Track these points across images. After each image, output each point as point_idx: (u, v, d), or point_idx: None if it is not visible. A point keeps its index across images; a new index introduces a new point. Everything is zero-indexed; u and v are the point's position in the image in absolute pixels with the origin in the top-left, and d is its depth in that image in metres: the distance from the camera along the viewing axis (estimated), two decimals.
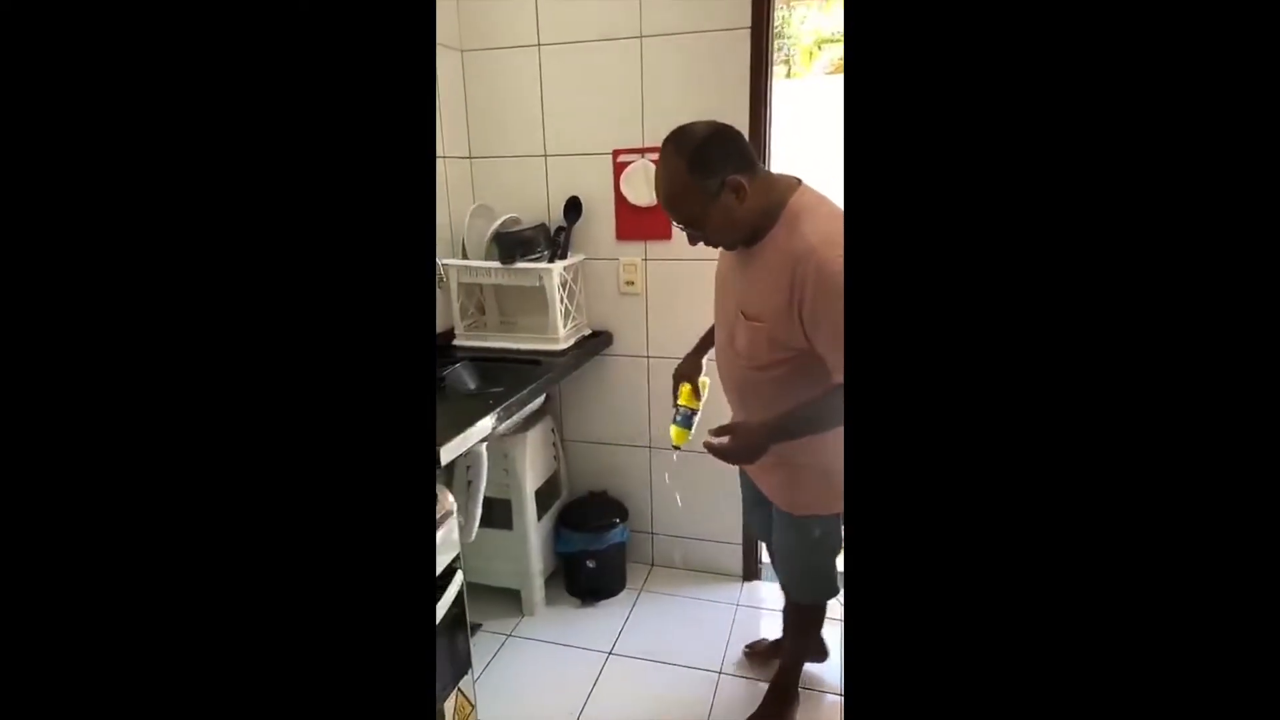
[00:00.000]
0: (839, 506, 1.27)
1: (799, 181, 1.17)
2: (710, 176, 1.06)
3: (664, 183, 1.10)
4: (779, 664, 1.60)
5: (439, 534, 1.13)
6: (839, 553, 1.37)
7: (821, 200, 1.13)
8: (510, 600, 1.94)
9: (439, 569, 1.14)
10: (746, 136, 1.72)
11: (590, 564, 1.95)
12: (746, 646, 1.78)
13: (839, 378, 1.07)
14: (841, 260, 0.99)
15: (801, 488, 1.28)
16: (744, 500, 1.61)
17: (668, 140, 1.10)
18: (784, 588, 1.50)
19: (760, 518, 1.53)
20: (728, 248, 1.19)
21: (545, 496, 1.96)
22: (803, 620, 1.50)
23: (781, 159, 1.82)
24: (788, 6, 3.47)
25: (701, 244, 1.17)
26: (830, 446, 1.20)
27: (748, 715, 1.55)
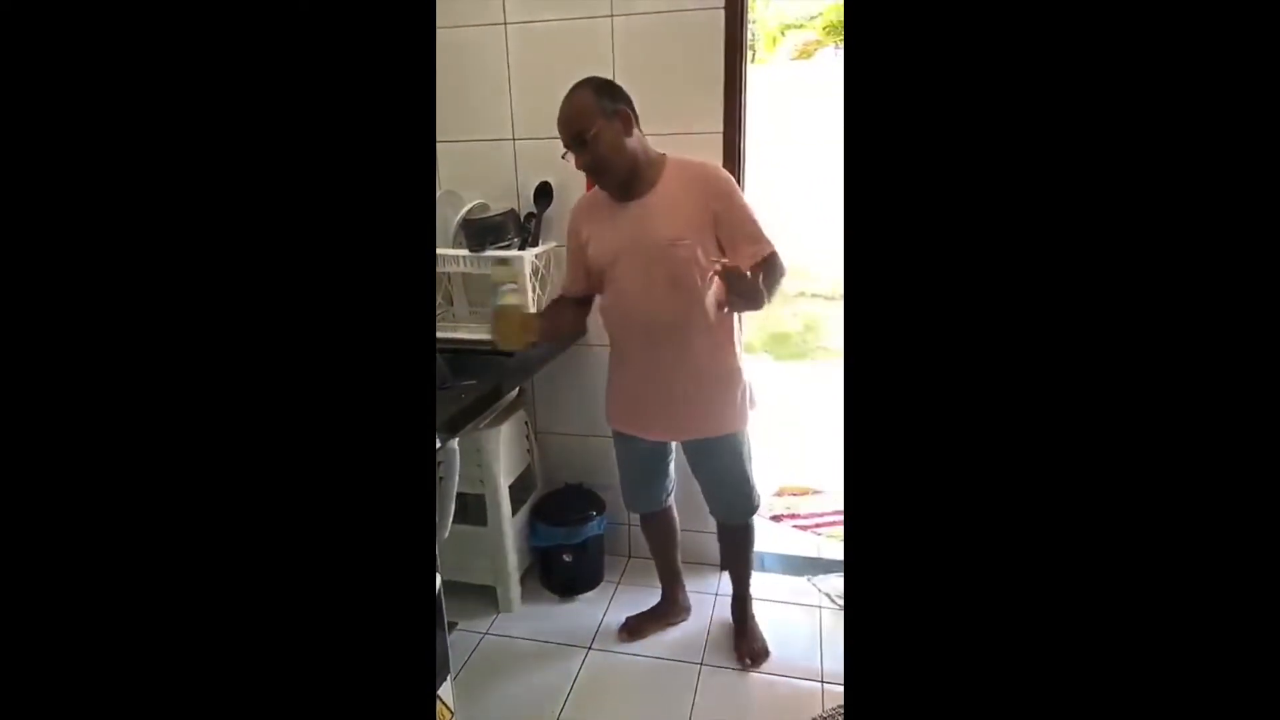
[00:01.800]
0: (746, 419, 1.55)
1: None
2: (608, 101, 1.33)
3: (567, 104, 1.34)
4: (735, 596, 1.78)
5: None
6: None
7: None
8: (486, 597, 1.90)
9: None
10: (721, 117, 1.70)
11: (567, 558, 1.92)
12: (621, 630, 1.80)
13: (763, 249, 1.36)
14: (717, 166, 1.44)
15: (721, 409, 1.50)
16: (636, 480, 1.69)
17: (576, 84, 1.36)
18: (721, 515, 1.68)
19: (658, 490, 1.70)
20: (604, 183, 1.40)
21: (519, 491, 1.92)
22: (742, 542, 1.72)
23: (749, 144, 1.79)
24: None
25: (586, 173, 1.38)
26: (724, 368, 1.47)
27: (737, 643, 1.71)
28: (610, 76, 1.72)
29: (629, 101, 1.37)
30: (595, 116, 1.31)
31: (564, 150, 1.37)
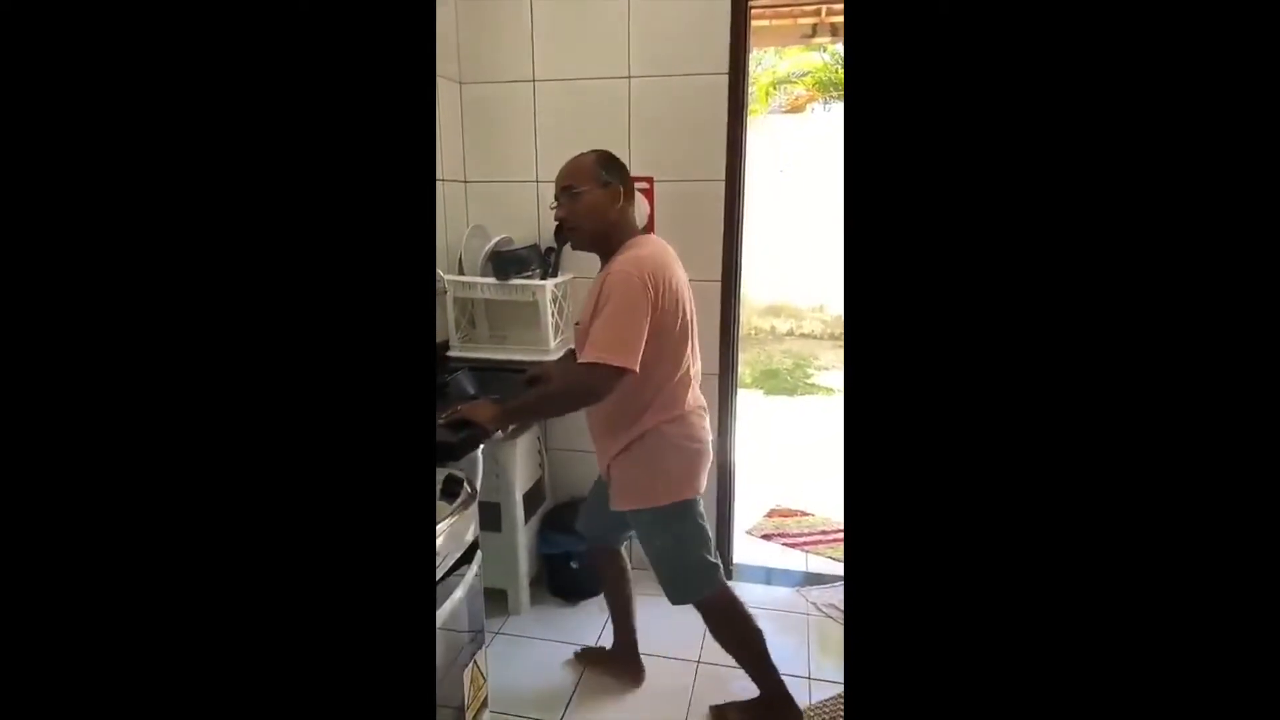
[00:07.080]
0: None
1: (650, 236, 1.51)
2: (606, 171, 1.42)
3: (570, 162, 1.44)
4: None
5: (466, 513, 1.26)
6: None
7: (652, 242, 1.44)
8: (497, 600, 2.03)
9: (468, 541, 1.26)
10: (724, 170, 1.92)
11: (573, 565, 2.06)
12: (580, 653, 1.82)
13: (588, 355, 1.32)
14: (626, 271, 1.32)
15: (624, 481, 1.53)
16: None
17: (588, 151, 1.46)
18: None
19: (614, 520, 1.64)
20: (573, 239, 1.47)
21: (531, 501, 2.07)
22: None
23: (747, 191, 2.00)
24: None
25: (560, 226, 1.44)
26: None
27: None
28: (625, 130, 1.96)
29: (626, 183, 1.44)
30: (587, 179, 1.41)
31: (552, 201, 1.46)
